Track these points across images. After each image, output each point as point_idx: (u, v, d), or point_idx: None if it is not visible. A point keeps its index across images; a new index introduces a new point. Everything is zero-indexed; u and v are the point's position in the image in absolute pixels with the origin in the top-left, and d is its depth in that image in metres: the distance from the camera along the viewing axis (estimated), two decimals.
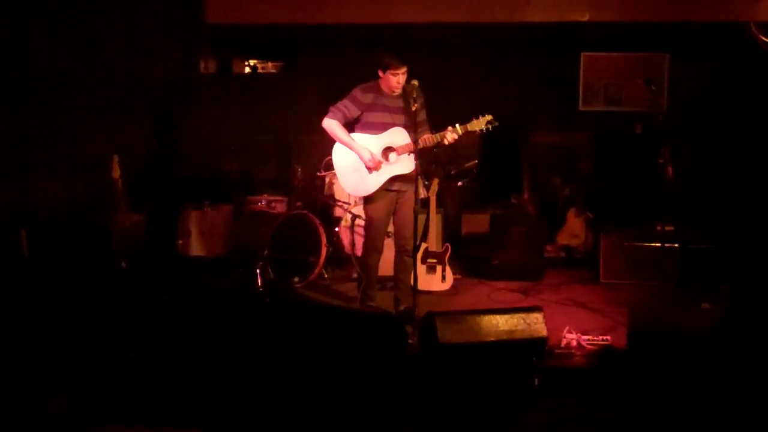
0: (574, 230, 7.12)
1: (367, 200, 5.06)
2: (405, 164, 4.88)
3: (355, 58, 7.73)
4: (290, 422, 3.62)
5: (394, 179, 4.93)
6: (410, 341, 4.43)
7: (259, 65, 9.15)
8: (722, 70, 7.78)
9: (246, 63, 9.06)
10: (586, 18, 6.83)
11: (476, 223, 7.33)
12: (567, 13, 6.87)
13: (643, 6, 6.83)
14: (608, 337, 4.62)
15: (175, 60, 7.60)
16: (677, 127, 7.16)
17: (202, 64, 8.23)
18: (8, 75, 5.34)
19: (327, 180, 7.05)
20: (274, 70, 9.21)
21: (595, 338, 4.61)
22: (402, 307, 5.09)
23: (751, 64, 7.26)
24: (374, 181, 4.95)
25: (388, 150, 4.94)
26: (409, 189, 4.95)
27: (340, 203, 6.90)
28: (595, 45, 8.02)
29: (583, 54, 8.09)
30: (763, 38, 5.90)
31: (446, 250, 6.03)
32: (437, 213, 6.05)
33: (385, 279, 5.51)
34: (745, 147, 7.47)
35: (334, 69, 8.04)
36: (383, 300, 5.35)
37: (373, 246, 5.10)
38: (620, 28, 7.24)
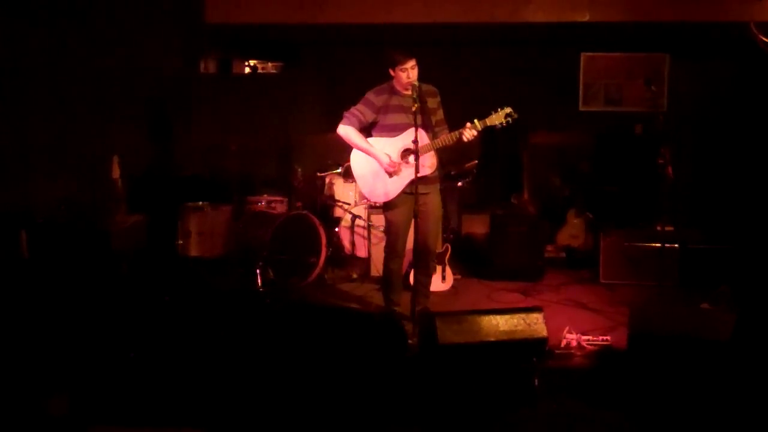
0: (574, 230, 7.12)
1: (388, 205, 4.95)
2: (425, 166, 4.71)
3: (355, 58, 7.76)
4: (290, 422, 3.62)
5: (414, 181, 4.78)
6: (410, 341, 4.43)
7: (259, 65, 9.14)
8: (722, 70, 7.78)
9: (246, 63, 9.05)
10: (586, 18, 6.82)
11: (476, 223, 7.33)
12: (567, 13, 6.85)
13: (643, 6, 6.82)
14: (608, 338, 4.62)
15: (175, 60, 7.60)
16: (677, 127, 7.16)
17: (202, 64, 8.23)
18: (8, 75, 5.34)
19: (327, 180, 7.05)
20: (274, 70, 9.20)
21: (595, 338, 4.61)
22: (419, 308, 5.00)
23: (751, 64, 7.26)
24: (395, 186, 4.86)
25: (406, 152, 4.85)
26: (431, 191, 4.86)
27: (340, 203, 6.90)
28: (595, 45, 8.02)
29: (583, 54, 8.09)
30: (763, 38, 5.90)
31: (446, 250, 6.03)
32: None
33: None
34: (745, 147, 7.47)
35: (334, 69, 8.05)
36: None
37: (394, 251, 5.00)
38: (620, 28, 7.23)
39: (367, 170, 4.90)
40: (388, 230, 5.03)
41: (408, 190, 4.85)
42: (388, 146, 4.85)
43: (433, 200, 4.91)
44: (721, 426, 3.58)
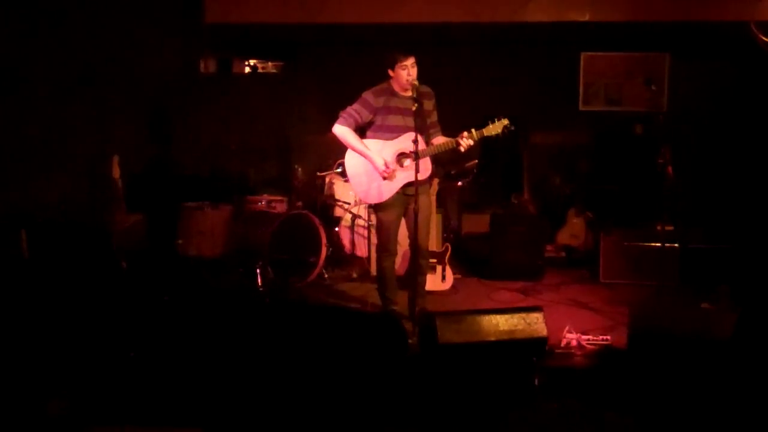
0: (574, 230, 7.12)
1: (380, 206, 4.94)
2: (420, 170, 4.65)
3: (355, 58, 7.76)
4: (290, 422, 3.62)
5: (408, 184, 4.80)
6: (410, 341, 4.43)
7: (259, 65, 9.15)
8: (722, 70, 7.78)
9: (246, 63, 9.06)
10: (586, 18, 6.82)
11: (476, 223, 7.33)
12: (567, 13, 6.86)
13: (643, 6, 6.82)
14: (608, 337, 4.62)
15: (175, 60, 7.60)
16: (677, 127, 7.16)
17: (202, 64, 8.23)
18: (8, 75, 5.34)
19: (327, 180, 7.05)
20: (274, 70, 9.21)
21: (595, 338, 4.61)
22: (417, 308, 4.99)
23: (751, 64, 7.26)
24: (388, 188, 4.85)
25: (402, 155, 4.84)
26: (423, 193, 4.81)
27: (340, 203, 6.90)
28: (595, 45, 8.02)
29: (583, 54, 8.08)
30: (763, 38, 5.90)
31: (446, 250, 6.03)
32: (437, 213, 6.04)
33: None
34: (745, 147, 7.47)
35: (334, 69, 8.05)
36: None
37: (386, 249, 5.00)
38: (620, 28, 7.24)
39: (361, 171, 4.89)
40: (380, 230, 5.04)
41: (400, 191, 4.87)
42: (384, 149, 4.84)
43: (424, 200, 4.92)
44: (721, 425, 3.58)
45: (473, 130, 4.70)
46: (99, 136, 6.20)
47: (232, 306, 5.38)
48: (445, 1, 6.92)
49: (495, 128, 4.70)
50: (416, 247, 4.85)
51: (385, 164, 4.80)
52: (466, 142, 4.69)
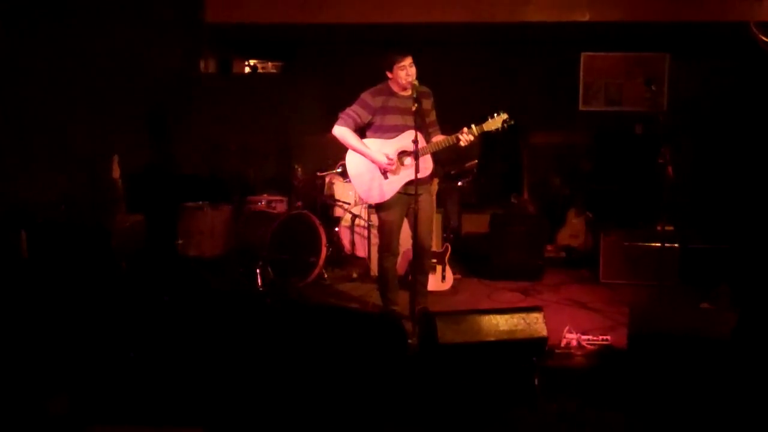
0: (574, 230, 7.12)
1: (382, 206, 4.94)
2: (420, 167, 4.66)
3: (355, 58, 7.76)
4: (290, 422, 3.62)
5: (410, 183, 4.78)
6: (410, 341, 4.43)
7: (259, 65, 9.16)
8: (722, 70, 7.78)
9: (246, 63, 9.07)
10: (586, 18, 6.83)
11: (476, 223, 7.33)
12: (567, 13, 6.86)
13: (643, 6, 6.82)
14: (608, 337, 4.63)
15: (175, 60, 7.60)
16: (677, 127, 7.16)
17: (202, 64, 8.23)
18: (8, 75, 5.34)
19: (327, 180, 7.05)
20: (274, 70, 9.22)
21: (595, 338, 4.61)
22: (418, 308, 4.99)
23: (751, 64, 7.25)
24: (390, 188, 4.86)
25: (402, 154, 4.85)
26: (424, 191, 4.83)
27: (340, 203, 6.90)
28: (595, 45, 8.02)
29: (583, 54, 8.09)
30: (763, 38, 5.91)
31: (446, 250, 6.03)
32: (437, 213, 6.04)
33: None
34: (745, 147, 7.47)
35: (334, 69, 8.05)
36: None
37: (388, 249, 5.00)
38: (620, 28, 7.24)
39: (362, 170, 4.89)
40: (382, 230, 5.03)
41: (402, 191, 4.86)
42: (384, 148, 4.85)
43: (426, 200, 4.92)
44: (721, 425, 3.58)
45: (473, 126, 4.72)
46: (99, 136, 6.20)
47: (233, 306, 5.38)
48: (445, 1, 6.92)
49: (494, 123, 4.72)
50: (417, 246, 4.84)
51: (387, 157, 4.80)
52: (466, 137, 4.70)
